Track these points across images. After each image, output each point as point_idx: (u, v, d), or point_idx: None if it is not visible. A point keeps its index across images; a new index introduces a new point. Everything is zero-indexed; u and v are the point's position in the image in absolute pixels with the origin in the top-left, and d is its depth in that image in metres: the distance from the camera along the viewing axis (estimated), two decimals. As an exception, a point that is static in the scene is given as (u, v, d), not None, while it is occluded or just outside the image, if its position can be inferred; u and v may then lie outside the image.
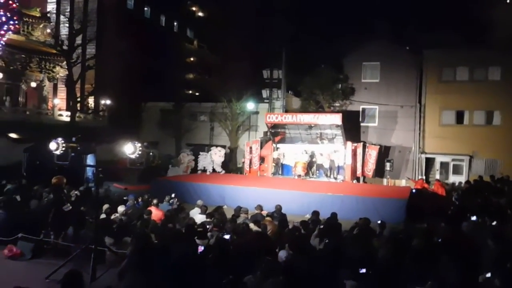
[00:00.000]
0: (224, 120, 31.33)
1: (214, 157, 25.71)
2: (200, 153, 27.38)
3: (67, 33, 28.84)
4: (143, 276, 5.02)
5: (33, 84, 27.92)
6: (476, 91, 25.89)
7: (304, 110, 28.30)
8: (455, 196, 16.98)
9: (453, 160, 26.97)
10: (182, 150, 28.85)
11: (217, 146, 28.08)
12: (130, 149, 6.76)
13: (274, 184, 19.75)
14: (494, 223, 9.69)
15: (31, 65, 26.95)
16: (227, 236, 7.61)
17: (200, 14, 48.36)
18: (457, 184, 23.86)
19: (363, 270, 5.93)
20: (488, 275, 5.95)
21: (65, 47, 27.50)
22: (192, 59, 45.50)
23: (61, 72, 28.18)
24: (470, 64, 26.64)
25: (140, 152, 6.74)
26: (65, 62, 27.58)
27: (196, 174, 25.08)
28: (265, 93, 30.48)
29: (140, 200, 13.36)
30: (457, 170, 26.79)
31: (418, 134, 27.63)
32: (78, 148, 7.14)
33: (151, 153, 7.34)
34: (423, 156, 27.46)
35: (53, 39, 27.46)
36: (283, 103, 29.66)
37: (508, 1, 39.37)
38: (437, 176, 26.62)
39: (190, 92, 41.76)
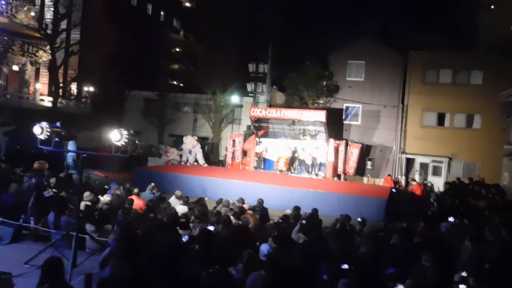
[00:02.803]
0: (208, 112, 31.25)
1: (188, 146, 25.46)
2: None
3: (51, 17, 28.21)
4: (127, 264, 5.01)
5: (15, 68, 27.28)
6: (458, 94, 26.28)
7: (288, 105, 28.36)
8: (434, 197, 17.24)
9: (432, 161, 27.37)
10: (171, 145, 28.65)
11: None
12: (116, 136, 6.70)
13: (256, 178, 19.79)
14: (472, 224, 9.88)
15: (14, 48, 26.30)
16: (211, 227, 7.62)
17: (188, 4, 47.94)
18: (432, 185, 24.29)
19: (346, 266, 6.01)
20: (464, 274, 6.08)
21: (49, 31, 26.95)
22: (177, 49, 45.06)
23: (44, 56, 27.56)
24: (454, 67, 27.01)
25: (126, 140, 6.68)
26: (48, 47, 27.01)
27: (179, 165, 24.96)
28: (250, 86, 30.47)
29: (121, 188, 13.25)
30: (436, 172, 27.20)
31: (399, 134, 27.95)
32: (63, 133, 7.02)
33: (136, 141, 7.27)
34: (404, 156, 27.80)
35: (37, 23, 26.89)
36: (268, 97, 29.69)
37: (492, 6, 40.02)
38: (417, 177, 27.05)
39: (175, 82, 41.42)
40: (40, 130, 6.63)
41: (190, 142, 25.76)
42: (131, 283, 4.79)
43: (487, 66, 26.02)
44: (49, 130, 6.69)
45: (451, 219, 10.27)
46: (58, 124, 7.00)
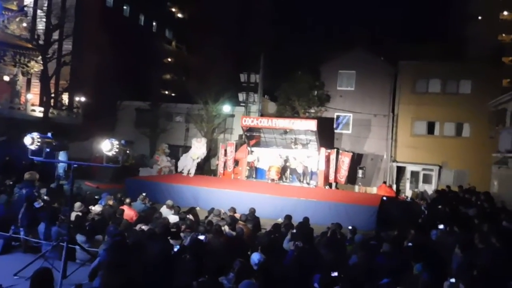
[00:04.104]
0: (200, 122, 31.23)
1: (197, 151, 23.60)
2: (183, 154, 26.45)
3: (43, 28, 28.26)
4: (117, 275, 5.00)
5: (6, 78, 27.27)
6: (447, 103, 26.57)
7: (279, 115, 28.50)
8: (424, 205, 17.34)
9: (423, 169, 27.57)
10: (166, 149, 28.38)
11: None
12: (107, 146, 6.70)
13: (248, 187, 19.80)
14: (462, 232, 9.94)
15: (5, 59, 26.26)
16: (202, 237, 7.63)
17: (180, 15, 48.21)
18: (422, 192, 24.45)
19: (335, 274, 6.03)
20: (452, 280, 6.12)
21: (41, 42, 26.96)
22: (169, 59, 45.26)
23: (35, 67, 27.50)
24: (443, 76, 27.34)
25: (117, 150, 6.69)
26: (40, 57, 27.00)
27: (170, 175, 24.89)
28: (241, 96, 30.54)
29: (113, 198, 13.22)
30: (427, 180, 27.40)
31: (390, 143, 28.15)
32: (54, 144, 7.03)
33: (127, 151, 7.26)
34: (395, 164, 27.97)
35: (29, 33, 26.90)
36: (259, 107, 29.81)
37: (480, 17, 40.66)
38: (407, 185, 27.29)
39: (167, 92, 41.51)
40: (31, 140, 6.64)
41: (202, 146, 23.85)
42: (121, 293, 4.79)
43: (475, 75, 26.38)
44: (39, 140, 6.70)
45: (441, 226, 10.35)
46: (49, 134, 7.00)
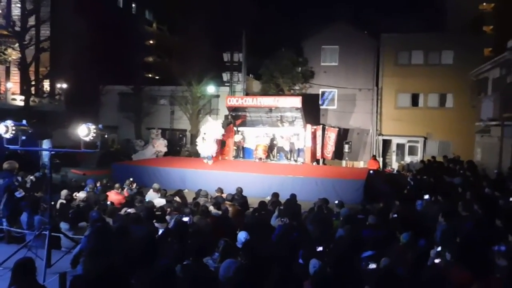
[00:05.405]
0: (185, 104, 30.99)
1: (214, 133, 21.20)
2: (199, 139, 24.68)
3: (19, 13, 27.53)
4: (99, 261, 4.95)
5: (-17, 68, 26.73)
6: (430, 75, 26.61)
7: (264, 93, 28.35)
8: (410, 176, 17.51)
9: (408, 141, 27.79)
10: (154, 135, 28.09)
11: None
12: (83, 131, 6.58)
13: (235, 167, 19.79)
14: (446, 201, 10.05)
15: (-20, 47, 25.75)
16: (186, 219, 7.59)
17: (159, -5, 47.31)
18: (408, 164, 24.68)
19: (320, 248, 6.05)
20: (439, 249, 6.19)
21: (17, 29, 26.30)
22: (151, 41, 44.59)
23: (13, 54, 26.87)
24: (425, 48, 27.30)
25: (94, 135, 6.57)
26: (17, 44, 26.38)
27: (157, 158, 24.76)
28: (225, 76, 30.33)
29: (98, 185, 13.13)
30: (412, 151, 27.64)
31: (375, 116, 28.23)
32: (30, 131, 6.87)
33: (105, 136, 7.12)
34: (380, 138, 28.11)
35: (4, 20, 26.21)
36: (244, 86, 29.61)
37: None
38: (394, 157, 27.50)
39: (150, 75, 41.00)
40: (5, 129, 6.48)
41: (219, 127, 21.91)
42: (104, 279, 4.73)
43: (457, 45, 26.39)
44: (14, 128, 6.54)
45: (426, 196, 10.46)
46: (24, 122, 6.84)
